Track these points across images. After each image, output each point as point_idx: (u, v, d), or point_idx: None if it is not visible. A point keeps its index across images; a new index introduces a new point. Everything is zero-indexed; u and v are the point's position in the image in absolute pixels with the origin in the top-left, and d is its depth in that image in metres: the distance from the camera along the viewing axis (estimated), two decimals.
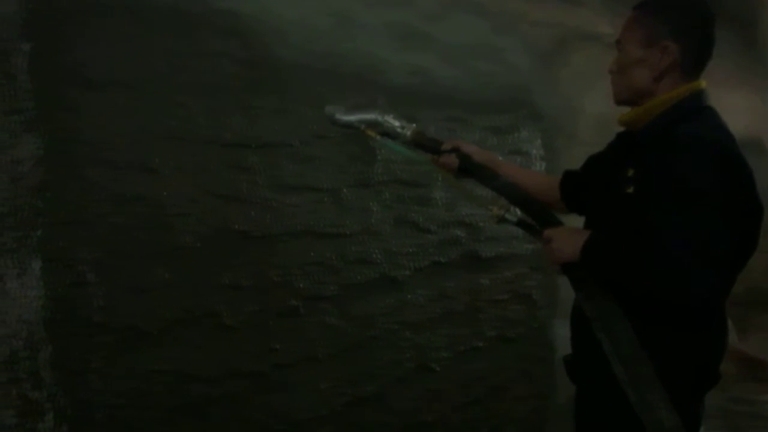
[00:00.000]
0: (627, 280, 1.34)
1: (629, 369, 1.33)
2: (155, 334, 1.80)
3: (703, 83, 1.44)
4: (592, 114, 3.33)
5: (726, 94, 2.48)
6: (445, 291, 2.61)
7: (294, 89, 2.10)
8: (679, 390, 1.33)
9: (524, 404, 2.99)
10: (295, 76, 2.10)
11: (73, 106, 1.65)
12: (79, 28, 1.67)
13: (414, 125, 1.66)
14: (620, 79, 1.46)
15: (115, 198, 1.72)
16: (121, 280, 1.74)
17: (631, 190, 1.37)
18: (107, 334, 1.72)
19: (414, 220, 2.47)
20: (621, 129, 1.53)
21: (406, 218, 2.44)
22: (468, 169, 1.60)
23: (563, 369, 1.43)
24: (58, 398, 1.61)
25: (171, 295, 1.83)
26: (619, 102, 1.49)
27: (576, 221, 1.61)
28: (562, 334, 3.18)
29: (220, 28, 1.92)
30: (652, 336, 1.33)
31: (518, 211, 1.53)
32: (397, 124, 1.63)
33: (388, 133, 1.64)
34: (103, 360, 1.71)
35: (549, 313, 3.12)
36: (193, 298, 1.87)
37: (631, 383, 1.32)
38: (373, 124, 1.64)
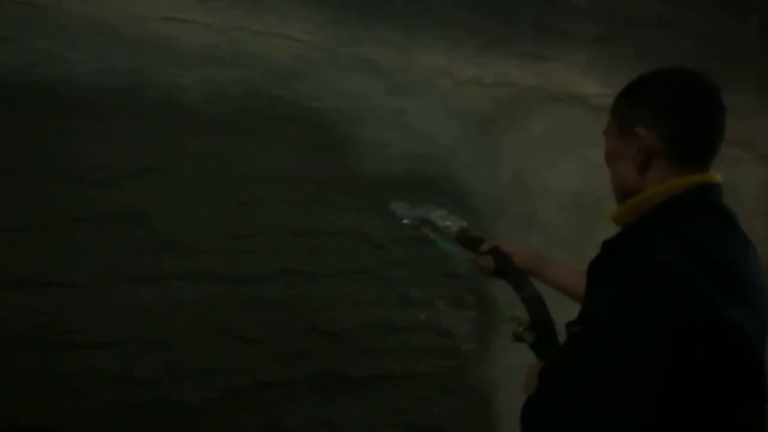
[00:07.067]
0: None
1: None
2: None
3: (708, 177, 1.15)
4: (560, 190, 2.70)
5: None
6: None
7: None
8: None
9: None
10: None
11: None
12: None
13: (464, 223, 1.66)
14: (611, 176, 1.26)
15: None
16: None
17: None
18: None
19: None
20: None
21: None
22: (502, 271, 1.54)
23: None
24: None
25: None
26: (618, 202, 1.26)
27: None
28: None
29: None
30: None
31: (535, 333, 1.38)
32: (445, 223, 1.68)
33: (439, 230, 1.69)
34: None
35: None
36: None
37: None
38: (426, 222, 1.71)
